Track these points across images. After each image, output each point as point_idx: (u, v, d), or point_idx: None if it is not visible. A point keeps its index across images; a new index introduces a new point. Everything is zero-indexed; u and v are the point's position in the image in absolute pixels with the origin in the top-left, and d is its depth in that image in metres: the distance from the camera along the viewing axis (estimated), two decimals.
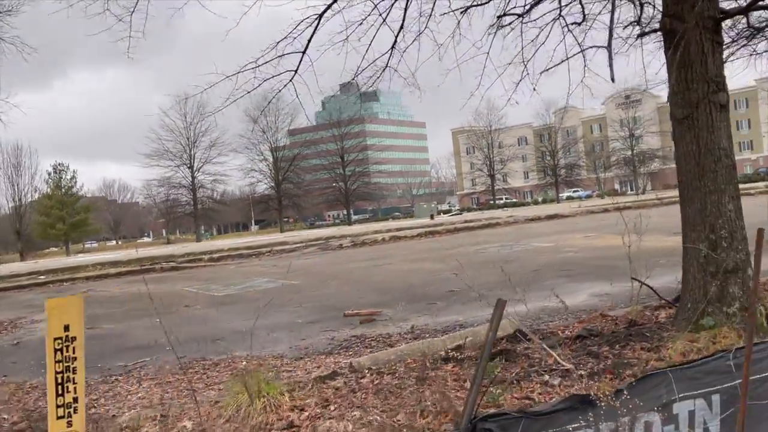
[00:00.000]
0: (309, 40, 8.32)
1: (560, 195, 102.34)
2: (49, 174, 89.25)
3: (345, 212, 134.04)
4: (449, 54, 9.04)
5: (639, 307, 8.36)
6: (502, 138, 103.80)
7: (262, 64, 7.94)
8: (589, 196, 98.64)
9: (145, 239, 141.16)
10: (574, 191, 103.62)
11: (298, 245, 27.34)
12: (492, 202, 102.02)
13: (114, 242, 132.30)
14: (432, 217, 44.80)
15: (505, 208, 72.45)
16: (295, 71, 8.57)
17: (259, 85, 8.08)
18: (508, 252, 19.09)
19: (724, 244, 6.76)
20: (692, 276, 6.99)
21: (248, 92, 8.00)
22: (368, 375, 6.76)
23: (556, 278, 13.57)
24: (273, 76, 7.97)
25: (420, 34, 8.79)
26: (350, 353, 8.95)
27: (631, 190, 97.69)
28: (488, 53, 8.81)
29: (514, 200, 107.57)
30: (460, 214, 62.38)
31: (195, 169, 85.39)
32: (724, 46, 7.43)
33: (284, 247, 27.11)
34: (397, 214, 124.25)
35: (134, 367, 9.16)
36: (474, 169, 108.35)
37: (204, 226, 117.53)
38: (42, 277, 23.08)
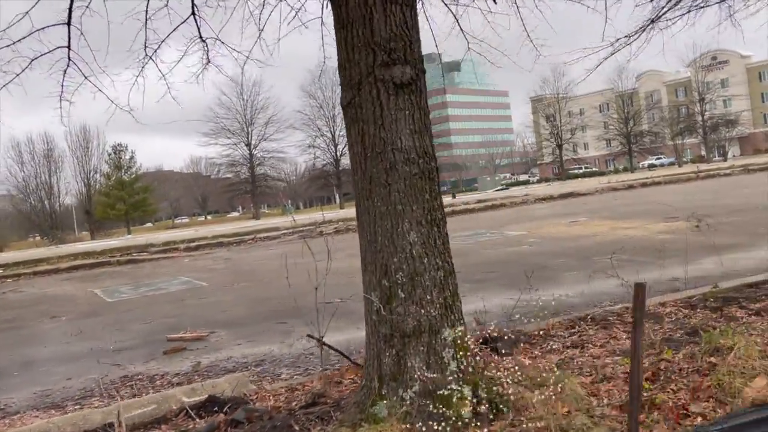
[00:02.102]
0: None
1: (642, 163, 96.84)
2: (109, 154, 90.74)
3: None
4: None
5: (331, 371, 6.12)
6: (571, 106, 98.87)
7: None
8: (672, 164, 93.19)
9: (234, 214, 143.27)
10: (656, 158, 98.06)
11: (284, 232, 25.55)
12: (569, 171, 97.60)
13: (203, 217, 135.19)
14: (453, 195, 42.02)
15: (582, 178, 68.94)
16: None
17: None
18: (460, 245, 16.78)
19: (402, 293, 4.47)
20: (368, 339, 4.74)
21: None
22: None
23: (462, 284, 11.30)
24: None
25: None
26: (76, 407, 7.15)
27: (719, 156, 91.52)
28: None
29: (594, 169, 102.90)
30: (506, 189, 59.02)
31: (252, 146, 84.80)
32: None
33: (269, 234, 25.39)
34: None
35: None
36: (541, 139, 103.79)
37: (291, 200, 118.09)
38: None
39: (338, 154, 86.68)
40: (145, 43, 6.33)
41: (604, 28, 7.87)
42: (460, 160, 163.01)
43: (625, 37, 10.89)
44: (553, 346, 6.54)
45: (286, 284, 13.23)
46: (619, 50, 9.88)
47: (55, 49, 5.96)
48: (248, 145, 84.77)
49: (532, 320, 6.63)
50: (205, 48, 6.57)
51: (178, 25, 6.29)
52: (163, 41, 6.33)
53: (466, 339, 4.64)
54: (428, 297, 4.48)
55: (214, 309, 12.07)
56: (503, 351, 6.48)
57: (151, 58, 6.39)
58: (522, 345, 6.67)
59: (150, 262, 21.27)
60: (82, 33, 5.97)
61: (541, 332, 7.06)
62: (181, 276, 16.60)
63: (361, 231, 4.67)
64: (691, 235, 13.87)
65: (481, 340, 6.69)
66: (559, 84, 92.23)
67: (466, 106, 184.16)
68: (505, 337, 6.74)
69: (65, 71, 6.26)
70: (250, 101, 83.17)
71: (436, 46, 7.12)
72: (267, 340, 9.18)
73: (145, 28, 6.19)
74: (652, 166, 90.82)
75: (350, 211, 39.97)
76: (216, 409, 5.73)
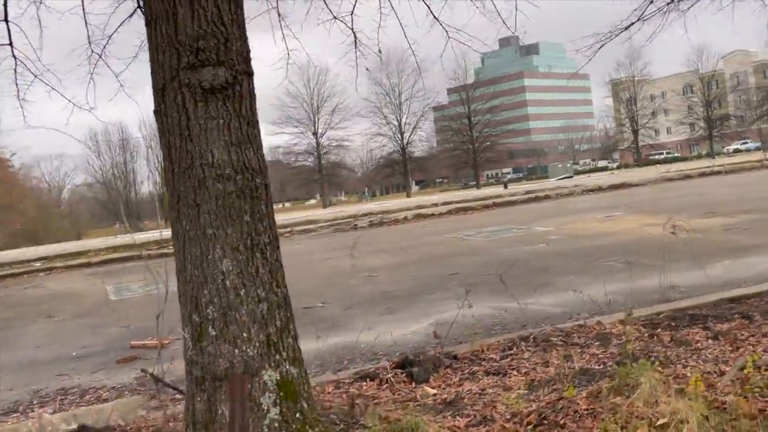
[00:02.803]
0: None
1: (726, 148, 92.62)
2: None
3: (504, 171, 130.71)
4: None
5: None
6: (651, 89, 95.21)
7: None
8: (758, 149, 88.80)
9: (312, 201, 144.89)
10: (742, 143, 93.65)
11: (322, 225, 25.19)
12: (649, 157, 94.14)
13: (281, 204, 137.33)
14: (505, 186, 40.76)
15: (658, 165, 66.20)
16: None
17: None
18: (480, 241, 16.05)
19: (213, 331, 3.91)
20: (186, 380, 4.19)
21: None
22: None
23: (445, 289, 10.74)
24: None
25: None
26: None
27: None
28: None
29: (675, 154, 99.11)
30: (571, 177, 57.12)
31: (319, 135, 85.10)
32: None
33: (307, 227, 25.06)
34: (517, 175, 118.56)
35: None
36: (619, 124, 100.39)
37: (367, 188, 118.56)
38: None
39: (405, 142, 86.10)
40: None
41: None
42: (539, 146, 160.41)
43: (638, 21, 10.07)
44: (476, 373, 5.85)
45: (302, 280, 12.95)
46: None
47: None
48: (315, 133, 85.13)
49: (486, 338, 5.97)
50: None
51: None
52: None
53: (299, 380, 4.05)
54: (244, 335, 3.90)
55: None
56: (421, 377, 5.87)
57: None
58: (444, 370, 6.00)
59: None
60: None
61: (472, 354, 6.37)
62: None
63: (175, 258, 4.10)
64: (718, 235, 12.82)
65: (394, 365, 6.11)
66: (634, 67, 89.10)
67: (545, 90, 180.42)
68: (425, 361, 6.16)
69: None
70: (317, 90, 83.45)
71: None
72: None
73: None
74: (737, 151, 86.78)
75: (412, 201, 39.45)
76: None
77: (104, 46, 6.35)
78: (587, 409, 4.55)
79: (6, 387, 8.18)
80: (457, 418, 4.65)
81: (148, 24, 4.01)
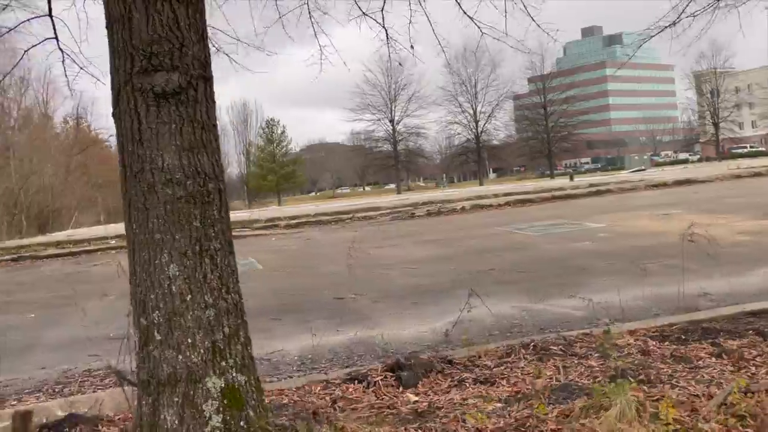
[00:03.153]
0: None
1: None
2: (263, 129, 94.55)
3: (582, 161, 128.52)
4: None
5: None
6: (734, 82, 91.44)
7: None
8: None
9: (391, 186, 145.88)
10: None
11: (382, 212, 25.20)
12: (732, 150, 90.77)
13: (360, 189, 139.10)
14: (571, 177, 39.76)
15: (740, 159, 63.64)
16: None
17: None
18: (528, 237, 15.79)
19: (158, 335, 3.93)
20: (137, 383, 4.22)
21: None
22: None
23: (478, 286, 10.48)
24: None
25: None
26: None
27: None
28: None
29: (761, 149, 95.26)
30: (642, 171, 55.33)
31: (395, 122, 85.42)
32: None
33: (367, 214, 25.12)
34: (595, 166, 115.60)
35: None
36: (699, 117, 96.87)
37: (445, 175, 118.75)
38: None
39: (479, 131, 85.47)
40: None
41: None
42: (619, 137, 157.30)
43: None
44: (465, 380, 5.73)
45: (328, 272, 13.07)
46: None
47: None
48: (391, 120, 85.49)
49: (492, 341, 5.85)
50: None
51: None
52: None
53: (247, 388, 4.03)
54: (189, 341, 3.89)
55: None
56: (409, 382, 5.80)
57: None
58: (435, 375, 5.89)
59: (243, 239, 21.57)
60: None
61: (468, 359, 6.24)
62: (249, 257, 16.60)
63: (128, 260, 4.13)
64: None
65: (386, 368, 6.04)
66: (717, 59, 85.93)
67: (628, 80, 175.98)
68: (417, 366, 6.07)
69: None
70: (395, 78, 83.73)
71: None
72: None
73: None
74: None
75: (475, 190, 39.06)
76: (66, 428, 5.42)
77: None
78: (554, 430, 4.40)
79: (39, 366, 8.46)
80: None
81: (107, 27, 4.02)
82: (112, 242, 22.77)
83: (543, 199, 24.22)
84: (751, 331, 6.29)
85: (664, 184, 26.16)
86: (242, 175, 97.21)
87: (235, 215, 32.38)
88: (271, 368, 7.37)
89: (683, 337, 6.41)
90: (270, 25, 6.62)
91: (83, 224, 52.06)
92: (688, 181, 26.49)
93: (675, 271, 10.28)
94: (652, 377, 5.21)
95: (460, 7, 7.15)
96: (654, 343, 6.32)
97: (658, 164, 78.67)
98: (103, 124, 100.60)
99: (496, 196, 25.92)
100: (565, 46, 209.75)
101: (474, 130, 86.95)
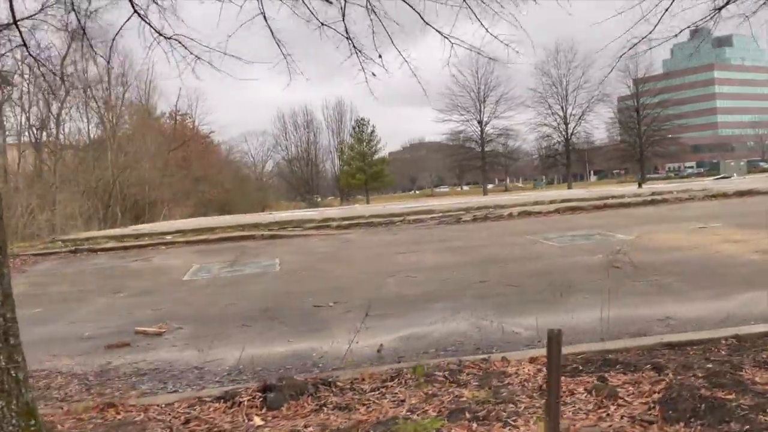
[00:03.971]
0: None
1: None
2: (354, 128, 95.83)
3: (686, 165, 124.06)
4: None
5: None
6: None
7: None
8: None
9: (489, 186, 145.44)
10: None
11: (432, 216, 25.09)
12: None
13: (459, 188, 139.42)
14: (640, 185, 38.17)
15: None
16: None
17: None
18: (551, 247, 15.58)
19: None
20: None
21: None
22: None
23: (457, 299, 10.57)
24: None
25: None
26: None
27: None
28: None
29: None
30: (728, 177, 52.46)
31: (484, 123, 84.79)
32: None
33: (419, 217, 25.06)
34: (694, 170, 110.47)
35: None
36: None
37: (544, 177, 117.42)
38: None
39: (569, 133, 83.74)
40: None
41: None
42: (726, 141, 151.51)
43: None
44: (326, 405, 5.73)
45: (335, 276, 13.24)
46: None
47: None
48: (480, 122, 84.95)
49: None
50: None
51: None
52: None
53: (3, 412, 4.13)
54: None
55: (229, 299, 12.15)
56: (275, 404, 5.86)
57: None
58: (305, 398, 5.91)
59: (288, 238, 21.98)
60: None
61: (352, 382, 6.23)
62: (276, 258, 16.96)
63: None
64: None
65: (257, 388, 6.09)
66: None
67: (737, 83, 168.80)
68: (288, 387, 6.10)
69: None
70: (484, 79, 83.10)
71: None
72: (195, 345, 8.90)
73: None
74: None
75: (531, 195, 38.30)
76: None
77: None
78: None
79: None
80: None
81: None
82: (168, 237, 23.58)
83: (594, 207, 23.49)
84: (648, 365, 6.02)
85: (724, 195, 24.91)
86: (335, 172, 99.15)
87: (293, 214, 32.88)
88: (194, 378, 7.57)
89: (580, 367, 6.21)
90: None
91: (174, 216, 54.07)
92: (750, 192, 25.09)
93: (662, 291, 9.94)
94: (491, 414, 5.06)
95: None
96: (545, 373, 6.11)
97: (755, 171, 74.51)
98: (209, 119, 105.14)
99: (551, 202, 25.32)
100: (673, 48, 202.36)
101: (564, 133, 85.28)
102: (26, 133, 41.14)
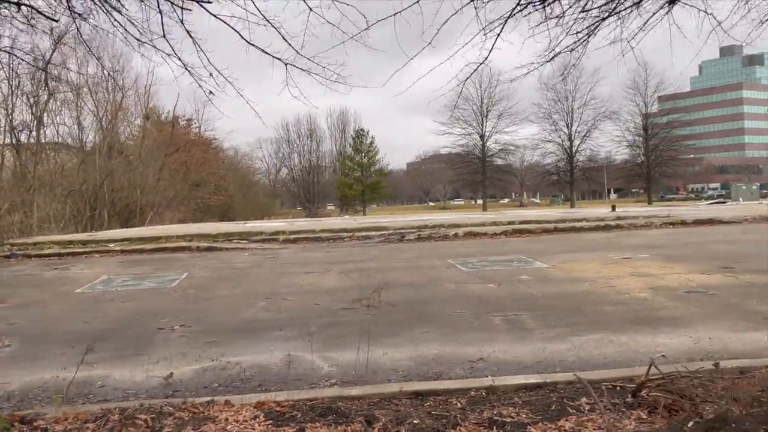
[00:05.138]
0: None
1: None
2: (353, 138, 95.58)
3: (711, 186, 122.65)
4: None
5: None
6: None
7: None
8: None
9: (504, 201, 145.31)
10: None
11: (383, 233, 24.55)
12: None
13: (474, 201, 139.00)
14: (613, 208, 37.25)
15: None
16: None
17: None
18: (454, 273, 15.00)
19: None
20: None
21: None
22: None
23: (273, 329, 10.02)
24: None
25: None
26: None
27: None
28: None
29: None
30: (723, 202, 51.33)
31: (485, 137, 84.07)
32: None
33: (367, 234, 24.51)
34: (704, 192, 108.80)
35: None
36: None
37: (562, 193, 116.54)
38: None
39: (573, 150, 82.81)
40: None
41: None
42: (753, 162, 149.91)
43: None
44: None
45: (228, 295, 12.76)
46: None
47: None
48: (482, 136, 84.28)
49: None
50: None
51: None
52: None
53: None
54: None
55: (93, 316, 11.72)
56: None
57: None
58: None
59: (222, 251, 21.54)
60: None
61: (55, 421, 5.71)
62: (187, 272, 16.54)
63: None
64: (670, 299, 10.95)
65: None
66: None
67: (765, 103, 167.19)
68: None
69: None
70: (488, 93, 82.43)
71: None
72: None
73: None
74: None
75: (488, 216, 37.60)
76: None
77: None
78: None
79: None
80: None
81: None
82: (112, 246, 23.24)
83: (544, 230, 22.81)
84: (362, 417, 5.47)
85: (682, 223, 24.10)
86: (336, 181, 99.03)
87: (255, 225, 32.43)
88: None
89: (295, 414, 5.65)
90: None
91: (164, 221, 54.00)
92: (710, 221, 24.26)
93: (506, 328, 9.40)
94: None
95: None
96: (262, 419, 5.58)
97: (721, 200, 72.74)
98: (218, 125, 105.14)
99: (509, 223, 24.68)
100: (702, 65, 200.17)
101: (568, 150, 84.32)
102: (8, 135, 41.00)
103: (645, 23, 6.85)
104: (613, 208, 37.47)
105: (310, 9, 6.22)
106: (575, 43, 7.10)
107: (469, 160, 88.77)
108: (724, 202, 53.62)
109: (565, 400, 5.65)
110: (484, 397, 5.92)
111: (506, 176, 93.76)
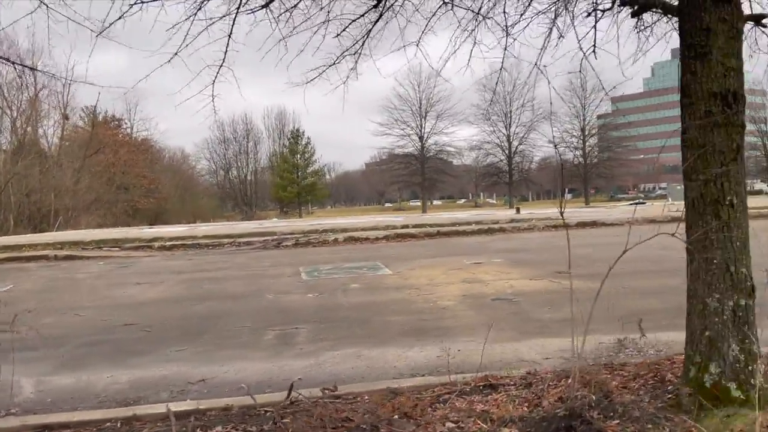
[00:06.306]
0: None
1: None
2: (288, 139, 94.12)
3: (661, 186, 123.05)
4: None
5: None
6: None
7: None
8: None
9: (463, 202, 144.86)
10: None
11: (266, 238, 23.60)
12: None
13: (431, 202, 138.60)
14: (518, 210, 36.89)
15: None
16: None
17: None
18: (285, 282, 14.17)
19: None
20: None
21: None
22: None
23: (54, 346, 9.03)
24: None
25: None
26: None
27: None
28: None
29: None
30: (643, 204, 51.33)
31: (424, 138, 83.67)
32: None
33: (250, 240, 23.56)
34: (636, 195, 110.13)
35: None
36: None
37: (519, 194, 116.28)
38: None
39: (512, 151, 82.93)
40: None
41: None
42: None
43: None
44: None
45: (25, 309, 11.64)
46: None
47: None
48: (420, 138, 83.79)
49: None
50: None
51: None
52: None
53: None
54: None
55: None
56: None
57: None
58: None
59: (79, 260, 20.42)
60: None
61: None
62: (14, 283, 15.42)
63: None
64: (492, 308, 10.29)
65: None
66: None
67: None
68: None
69: None
70: (426, 93, 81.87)
71: None
72: None
73: None
74: None
75: (379, 219, 37.04)
76: None
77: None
78: None
79: None
80: None
81: None
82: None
83: (426, 234, 22.15)
84: None
85: (569, 226, 23.62)
86: (272, 183, 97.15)
87: (134, 232, 31.21)
88: None
89: None
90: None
91: (79, 226, 52.03)
92: (593, 224, 23.83)
93: (260, 345, 8.59)
94: None
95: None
96: None
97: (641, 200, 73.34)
98: (149, 124, 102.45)
99: (403, 227, 23.94)
100: (653, 67, 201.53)
101: (506, 151, 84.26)
102: None
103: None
104: (518, 210, 37.05)
105: None
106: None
107: (408, 161, 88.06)
108: (644, 203, 53.81)
109: None
110: (117, 428, 5.12)
111: (445, 177, 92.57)
